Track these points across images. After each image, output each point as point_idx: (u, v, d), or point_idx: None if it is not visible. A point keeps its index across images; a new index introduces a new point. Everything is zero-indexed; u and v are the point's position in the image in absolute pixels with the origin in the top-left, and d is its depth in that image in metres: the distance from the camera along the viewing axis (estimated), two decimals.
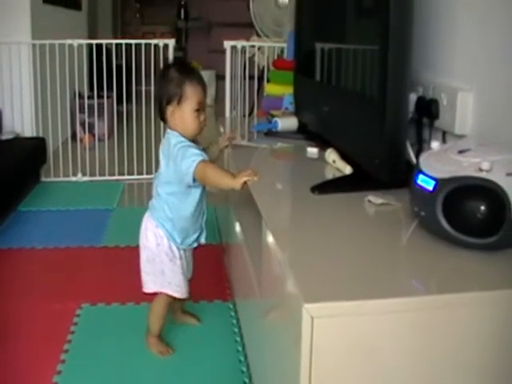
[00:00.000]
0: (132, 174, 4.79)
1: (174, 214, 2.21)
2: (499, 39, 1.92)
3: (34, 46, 4.69)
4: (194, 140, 2.18)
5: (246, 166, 2.25)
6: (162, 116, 2.18)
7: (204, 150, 2.21)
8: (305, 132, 2.89)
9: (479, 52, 2.03)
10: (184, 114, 2.13)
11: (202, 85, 2.16)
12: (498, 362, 1.36)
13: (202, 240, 2.35)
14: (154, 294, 2.32)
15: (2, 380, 2.19)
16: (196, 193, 2.20)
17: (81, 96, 5.36)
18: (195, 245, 2.34)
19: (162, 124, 4.42)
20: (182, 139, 2.12)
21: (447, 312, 1.31)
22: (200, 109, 2.14)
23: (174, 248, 2.24)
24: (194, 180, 2.08)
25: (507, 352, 1.35)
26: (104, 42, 5.06)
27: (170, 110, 2.14)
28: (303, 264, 1.46)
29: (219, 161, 2.27)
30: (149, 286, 2.31)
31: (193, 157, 2.06)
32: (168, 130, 2.18)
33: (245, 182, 1.97)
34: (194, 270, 2.42)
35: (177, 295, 2.29)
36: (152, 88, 4.77)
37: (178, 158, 2.09)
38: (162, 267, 2.26)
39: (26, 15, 4.81)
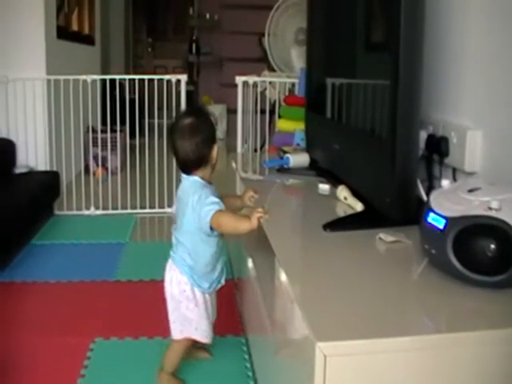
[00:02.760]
0: (144, 207, 4.82)
1: (195, 261, 2.21)
2: (507, 80, 1.95)
3: (48, 81, 4.76)
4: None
5: (258, 202, 2.27)
6: (198, 162, 2.16)
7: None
8: (316, 168, 2.91)
9: (488, 92, 2.07)
10: (216, 153, 2.19)
11: None
12: None
13: (222, 281, 2.36)
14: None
15: None
16: (215, 240, 2.21)
17: (94, 130, 5.42)
18: (218, 286, 2.35)
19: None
20: (204, 184, 2.15)
21: (457, 350, 1.33)
22: None
23: (199, 294, 2.25)
24: (211, 228, 2.11)
25: None
26: (117, 77, 5.11)
27: (215, 149, 2.18)
28: (315, 302, 1.48)
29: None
30: (176, 335, 2.30)
31: (211, 205, 2.07)
32: (186, 177, 2.19)
33: (258, 219, 2.00)
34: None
35: (204, 340, 2.30)
36: (165, 121, 4.85)
37: (197, 207, 2.10)
38: (188, 313, 2.26)
39: (41, 51, 4.88)
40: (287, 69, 5.29)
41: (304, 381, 1.38)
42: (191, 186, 2.15)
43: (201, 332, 2.28)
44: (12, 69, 4.72)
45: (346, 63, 2.63)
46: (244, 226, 2.02)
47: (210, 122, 2.21)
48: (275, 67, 5.40)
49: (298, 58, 5.13)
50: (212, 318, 2.36)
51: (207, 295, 2.28)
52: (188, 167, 2.18)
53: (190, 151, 2.13)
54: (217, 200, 2.10)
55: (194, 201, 2.10)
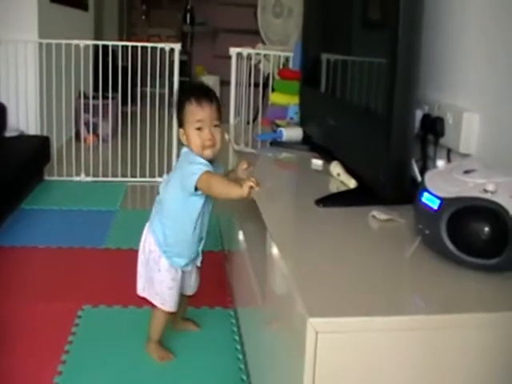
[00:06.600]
0: (135, 176, 4.80)
1: (171, 222, 2.23)
2: (506, 61, 1.94)
3: (40, 44, 4.72)
4: (211, 161, 2.17)
5: (250, 175, 2.26)
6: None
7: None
8: (310, 143, 2.90)
9: (486, 73, 2.06)
10: (188, 134, 2.17)
11: (203, 102, 2.15)
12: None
13: (198, 264, 2.38)
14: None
15: (2, 380, 2.20)
16: (196, 204, 2.20)
17: (86, 96, 5.38)
18: (189, 268, 2.35)
19: (166, 127, 4.47)
20: (192, 154, 2.16)
21: (449, 332, 1.33)
22: (202, 127, 2.14)
23: (164, 261, 2.26)
24: (196, 189, 2.10)
25: (506, 374, 1.37)
26: (110, 43, 5.08)
27: (181, 132, 2.21)
28: (308, 278, 1.48)
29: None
30: (139, 289, 2.34)
31: (198, 165, 2.09)
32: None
33: (250, 188, 2.00)
34: (197, 287, 2.47)
35: (162, 307, 2.31)
36: (157, 90, 4.83)
37: (184, 164, 2.13)
38: (152, 275, 2.28)
39: (34, 14, 4.83)
40: (277, 42, 5.27)
41: (294, 356, 1.38)
42: (183, 153, 2.20)
43: (160, 299, 2.29)
44: (4, 31, 4.66)
45: (343, 38, 2.60)
46: (235, 191, 2.01)
47: (180, 108, 2.20)
48: (265, 40, 5.37)
49: (277, 31, 5.11)
50: (186, 290, 2.40)
51: (174, 268, 2.28)
52: None
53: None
54: (206, 162, 2.11)
55: (182, 159, 2.18)
